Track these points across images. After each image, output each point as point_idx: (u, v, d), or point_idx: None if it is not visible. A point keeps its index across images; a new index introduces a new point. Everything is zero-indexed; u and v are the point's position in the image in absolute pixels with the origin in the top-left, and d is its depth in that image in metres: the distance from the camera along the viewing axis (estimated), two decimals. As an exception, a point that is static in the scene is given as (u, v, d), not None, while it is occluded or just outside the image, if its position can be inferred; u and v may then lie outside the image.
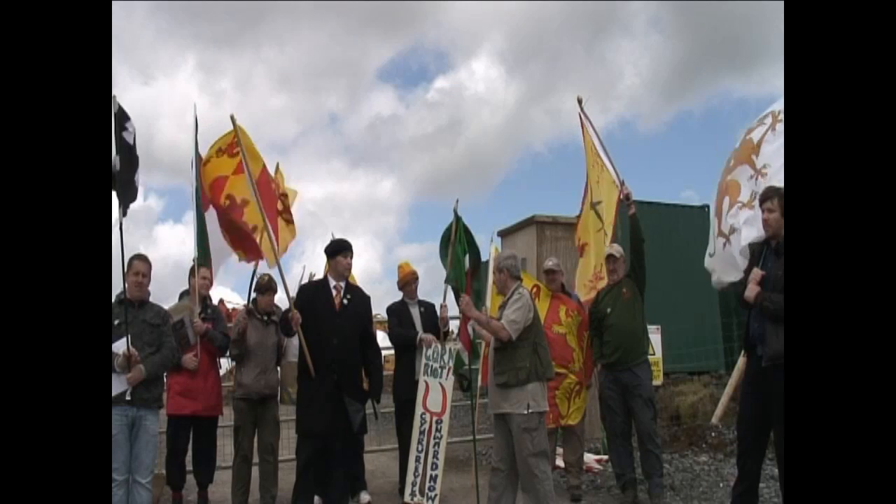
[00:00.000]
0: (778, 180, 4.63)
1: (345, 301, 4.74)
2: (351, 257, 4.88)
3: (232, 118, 5.07)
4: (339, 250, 4.83)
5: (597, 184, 5.87)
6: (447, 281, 5.42)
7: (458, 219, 5.47)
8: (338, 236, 5.09)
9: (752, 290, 3.91)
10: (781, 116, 4.88)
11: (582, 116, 5.97)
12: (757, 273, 3.95)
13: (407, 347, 5.53)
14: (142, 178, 4.70)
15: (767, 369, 3.81)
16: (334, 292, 4.75)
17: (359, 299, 4.88)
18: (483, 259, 5.82)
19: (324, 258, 5.10)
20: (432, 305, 5.68)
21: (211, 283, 5.37)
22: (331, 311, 4.68)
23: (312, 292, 4.82)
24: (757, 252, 4.14)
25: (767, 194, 4.05)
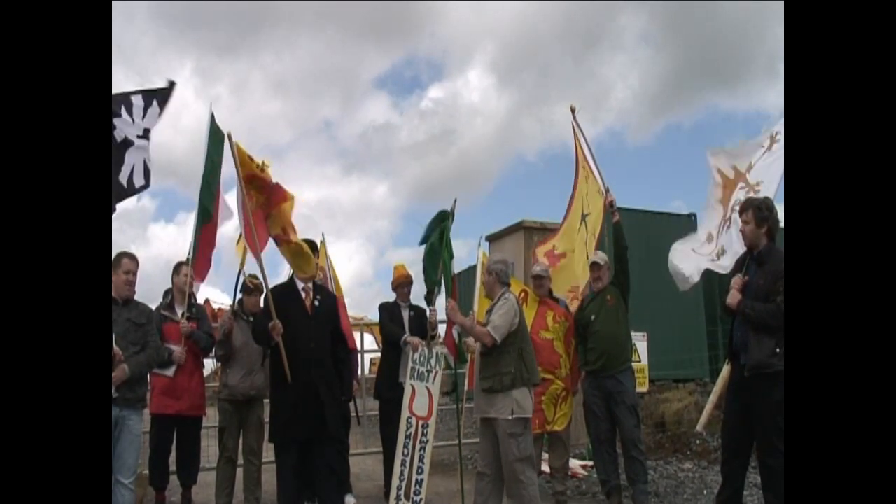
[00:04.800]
0: (769, 193, 4.71)
1: (316, 303, 4.64)
2: (317, 257, 4.81)
3: (228, 136, 4.51)
4: None
5: (586, 195, 5.90)
6: (436, 284, 5.41)
7: (452, 217, 5.47)
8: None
9: (733, 297, 3.94)
10: (779, 137, 4.95)
11: (574, 125, 6.01)
12: (738, 280, 3.98)
13: (395, 345, 5.52)
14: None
15: (749, 378, 3.84)
16: (304, 294, 4.63)
17: (327, 299, 4.82)
18: (471, 264, 5.84)
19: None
20: (423, 310, 5.68)
21: (192, 282, 5.34)
22: (304, 315, 4.56)
23: (282, 296, 4.58)
24: (741, 261, 4.19)
25: (743, 207, 4.11)
